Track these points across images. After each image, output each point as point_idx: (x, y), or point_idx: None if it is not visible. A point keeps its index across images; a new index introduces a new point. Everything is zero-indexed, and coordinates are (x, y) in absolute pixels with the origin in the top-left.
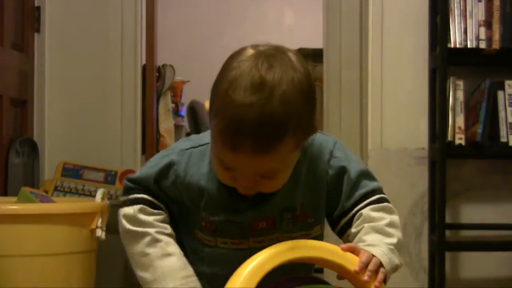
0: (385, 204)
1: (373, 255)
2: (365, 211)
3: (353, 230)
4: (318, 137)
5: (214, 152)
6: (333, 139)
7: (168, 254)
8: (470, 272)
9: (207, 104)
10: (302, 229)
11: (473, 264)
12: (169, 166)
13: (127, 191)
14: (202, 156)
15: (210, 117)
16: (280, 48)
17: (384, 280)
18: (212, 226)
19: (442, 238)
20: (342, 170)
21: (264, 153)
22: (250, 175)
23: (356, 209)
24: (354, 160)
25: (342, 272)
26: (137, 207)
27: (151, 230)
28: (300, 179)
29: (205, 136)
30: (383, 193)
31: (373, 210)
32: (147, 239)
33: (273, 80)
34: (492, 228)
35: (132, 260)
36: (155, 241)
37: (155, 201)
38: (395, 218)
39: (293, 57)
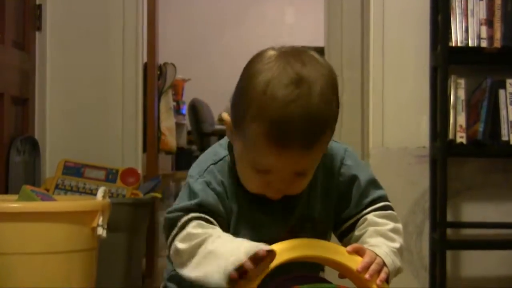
0: (390, 212)
1: (376, 255)
2: (370, 216)
3: (356, 233)
4: (329, 144)
5: (247, 160)
6: (344, 146)
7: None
8: (471, 271)
9: (225, 116)
10: (321, 236)
11: (474, 263)
12: (208, 184)
13: (174, 220)
14: (223, 173)
15: (241, 123)
16: (300, 48)
17: (387, 281)
18: None
19: (443, 237)
20: (353, 178)
21: (311, 149)
22: (288, 175)
23: (361, 214)
24: (364, 169)
25: (344, 271)
26: (191, 225)
27: (212, 231)
28: (317, 185)
29: (218, 151)
30: (388, 201)
31: (378, 216)
32: (209, 239)
33: (309, 76)
34: (493, 226)
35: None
36: (217, 236)
37: (210, 218)
38: (398, 225)
39: (316, 55)
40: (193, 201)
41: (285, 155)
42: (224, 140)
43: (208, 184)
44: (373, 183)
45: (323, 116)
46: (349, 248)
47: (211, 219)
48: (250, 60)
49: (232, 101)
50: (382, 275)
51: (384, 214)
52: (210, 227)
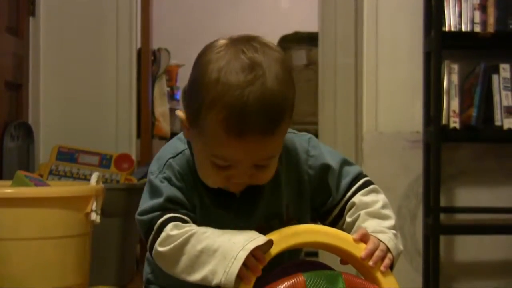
0: (372, 186)
1: (380, 241)
2: (356, 198)
3: (348, 219)
4: (290, 137)
5: (205, 156)
6: (305, 136)
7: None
8: (464, 255)
9: (180, 113)
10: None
11: (468, 247)
12: (168, 180)
13: (149, 223)
14: (182, 167)
15: (196, 118)
16: (251, 35)
17: (391, 266)
18: None
19: (437, 222)
20: (324, 167)
21: (271, 134)
22: (248, 168)
23: (345, 198)
24: (332, 154)
25: (347, 258)
26: (168, 227)
27: (193, 229)
28: (280, 182)
29: (176, 145)
30: (366, 175)
31: (363, 195)
32: (194, 236)
33: (262, 61)
34: (487, 211)
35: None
36: (202, 233)
37: (184, 217)
38: (385, 198)
39: (267, 40)
40: (161, 199)
41: (244, 143)
42: (180, 138)
43: (168, 180)
44: (345, 163)
45: (281, 100)
46: (356, 236)
47: (186, 218)
48: (201, 51)
49: (186, 96)
50: (386, 261)
51: (369, 190)
52: (187, 226)
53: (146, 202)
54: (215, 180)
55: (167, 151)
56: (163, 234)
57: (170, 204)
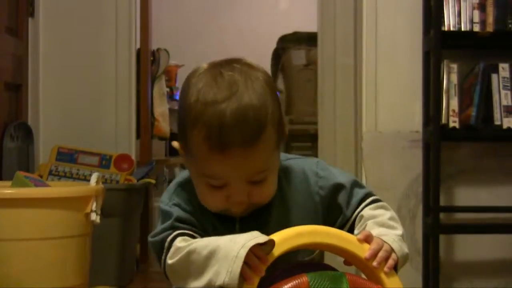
0: (381, 203)
1: (384, 242)
2: (365, 211)
3: (356, 231)
4: (298, 162)
5: (200, 174)
6: (314, 160)
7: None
8: (464, 255)
9: (175, 143)
10: (304, 254)
11: (467, 247)
12: (178, 206)
13: (160, 243)
14: (190, 191)
15: (185, 141)
16: (234, 58)
17: (395, 267)
18: None
19: (436, 221)
20: (336, 187)
21: (252, 145)
22: (242, 183)
23: (355, 214)
24: (341, 173)
25: (351, 258)
26: (177, 240)
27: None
28: (289, 204)
29: (183, 174)
30: (376, 195)
31: (372, 209)
32: (199, 244)
33: (240, 78)
34: (486, 210)
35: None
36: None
37: (193, 234)
38: (393, 213)
39: (249, 61)
40: (171, 220)
41: (228, 157)
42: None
43: (178, 205)
44: (356, 184)
45: (258, 111)
46: (360, 236)
47: (195, 235)
48: (186, 78)
49: (177, 123)
50: (390, 261)
51: (377, 206)
52: (195, 239)
53: (158, 227)
54: (216, 203)
55: (174, 182)
56: (172, 249)
57: (180, 224)
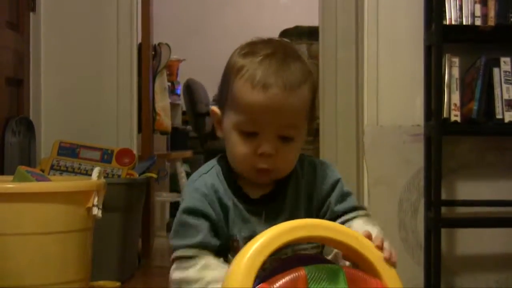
0: (371, 219)
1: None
2: (355, 222)
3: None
4: (312, 159)
5: (236, 124)
6: (325, 161)
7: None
8: (465, 249)
9: (213, 107)
10: (311, 242)
11: (469, 241)
12: (196, 190)
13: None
14: (213, 178)
15: (227, 90)
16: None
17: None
18: (239, 245)
19: (438, 215)
20: (335, 183)
21: (291, 92)
22: (272, 133)
23: (345, 217)
24: (341, 180)
25: (348, 251)
26: (192, 264)
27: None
28: (301, 194)
29: (206, 165)
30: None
31: (363, 221)
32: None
33: (286, 43)
34: (488, 204)
35: None
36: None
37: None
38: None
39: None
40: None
41: (268, 97)
42: (215, 159)
43: (197, 189)
44: (353, 195)
45: (301, 67)
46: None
47: (209, 254)
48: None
49: (218, 87)
50: (394, 251)
51: (369, 220)
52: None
53: (183, 202)
54: (245, 152)
55: (198, 171)
56: (182, 266)
57: (190, 215)
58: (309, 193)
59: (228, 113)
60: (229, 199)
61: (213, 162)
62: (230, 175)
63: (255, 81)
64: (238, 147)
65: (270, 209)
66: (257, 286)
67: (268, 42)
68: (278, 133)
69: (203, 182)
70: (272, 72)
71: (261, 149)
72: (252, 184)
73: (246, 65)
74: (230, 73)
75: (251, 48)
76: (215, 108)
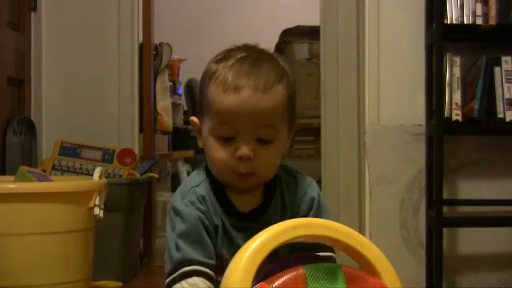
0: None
1: None
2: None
3: None
4: (296, 174)
5: (212, 129)
6: (310, 179)
7: None
8: (467, 248)
9: (193, 118)
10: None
11: (470, 240)
12: (192, 204)
13: (175, 264)
14: (204, 190)
15: (202, 97)
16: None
17: None
18: (225, 263)
19: (440, 214)
20: (312, 200)
21: (263, 92)
22: (249, 134)
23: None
24: (324, 203)
25: (347, 250)
26: (188, 280)
27: None
28: (286, 209)
29: (196, 177)
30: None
31: None
32: None
33: (259, 47)
34: (489, 204)
35: None
36: None
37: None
38: None
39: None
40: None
41: (240, 99)
42: (200, 168)
43: (192, 203)
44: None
45: (274, 67)
46: None
47: (210, 272)
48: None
49: (198, 95)
50: None
51: None
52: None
53: (168, 226)
54: (224, 160)
55: (188, 183)
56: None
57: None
58: (291, 208)
59: (205, 121)
60: (218, 217)
61: (202, 175)
62: (218, 186)
63: (227, 84)
64: (216, 153)
65: (259, 225)
66: (256, 285)
67: (242, 47)
68: (255, 135)
69: (195, 195)
70: (244, 74)
71: (238, 152)
72: (241, 195)
73: (218, 70)
74: (204, 81)
75: (224, 55)
76: (194, 118)
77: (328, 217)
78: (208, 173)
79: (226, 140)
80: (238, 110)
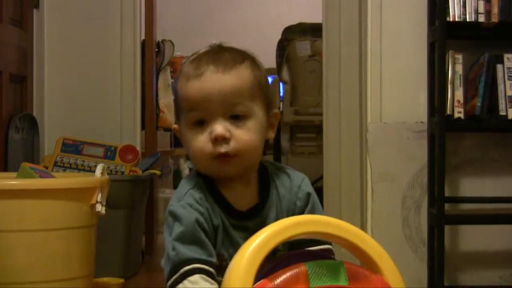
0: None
1: None
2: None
3: None
4: (289, 171)
5: (188, 120)
6: (301, 175)
7: None
8: (469, 245)
9: (175, 126)
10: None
11: (472, 237)
12: (190, 205)
13: (175, 266)
14: (201, 191)
15: (177, 97)
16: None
17: None
18: (224, 262)
19: (441, 212)
20: (308, 196)
21: (224, 73)
22: (220, 115)
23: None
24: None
25: (349, 247)
26: (190, 279)
27: None
28: (283, 207)
29: (190, 180)
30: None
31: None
32: None
33: (224, 46)
34: (491, 201)
35: None
36: None
37: (210, 269)
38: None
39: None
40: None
41: (203, 82)
42: (190, 175)
43: (190, 205)
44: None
45: (234, 54)
46: None
47: (211, 270)
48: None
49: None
50: None
51: None
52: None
53: (166, 232)
54: (202, 145)
55: (183, 188)
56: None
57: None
58: (288, 207)
59: (181, 119)
60: (218, 217)
61: (195, 179)
62: (212, 186)
63: (189, 74)
64: (194, 142)
65: (257, 223)
66: (258, 282)
67: (211, 45)
68: (227, 114)
69: (192, 197)
70: (204, 63)
71: (213, 133)
72: (236, 192)
73: (185, 67)
74: (178, 80)
75: (193, 54)
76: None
77: (321, 213)
78: (200, 175)
79: (200, 125)
80: (202, 91)
